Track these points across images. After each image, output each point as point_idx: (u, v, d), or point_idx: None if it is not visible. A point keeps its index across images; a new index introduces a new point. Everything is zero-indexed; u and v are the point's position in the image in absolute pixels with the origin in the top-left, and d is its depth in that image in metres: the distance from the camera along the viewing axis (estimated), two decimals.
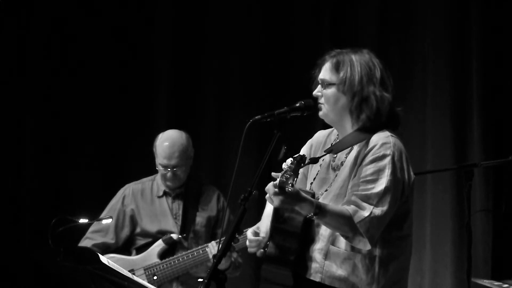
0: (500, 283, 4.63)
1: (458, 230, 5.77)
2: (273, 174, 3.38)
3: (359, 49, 3.66)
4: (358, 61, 3.60)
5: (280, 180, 3.32)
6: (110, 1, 6.58)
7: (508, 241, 5.69)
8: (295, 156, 3.38)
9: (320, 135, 3.83)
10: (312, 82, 3.71)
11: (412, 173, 3.57)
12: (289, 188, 3.32)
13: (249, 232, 3.72)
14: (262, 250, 3.64)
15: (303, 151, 3.81)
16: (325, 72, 3.64)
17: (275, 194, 3.34)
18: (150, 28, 6.63)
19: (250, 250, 3.69)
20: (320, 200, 3.59)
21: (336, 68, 3.61)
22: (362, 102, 3.57)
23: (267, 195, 3.39)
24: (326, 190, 3.62)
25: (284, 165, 3.47)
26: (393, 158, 3.50)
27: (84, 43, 6.54)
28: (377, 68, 3.62)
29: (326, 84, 3.62)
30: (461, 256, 5.65)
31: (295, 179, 3.34)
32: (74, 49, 6.53)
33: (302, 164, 3.36)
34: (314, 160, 3.62)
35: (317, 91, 3.66)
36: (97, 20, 6.55)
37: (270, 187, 3.36)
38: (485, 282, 4.70)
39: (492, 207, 5.73)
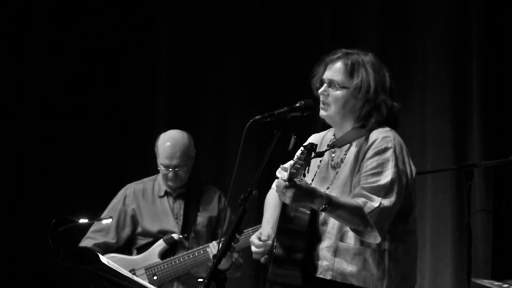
0: (500, 283, 4.63)
1: (458, 230, 5.77)
2: (281, 166, 3.36)
3: (367, 53, 3.66)
4: (371, 67, 3.60)
5: (290, 172, 3.30)
6: (111, 2, 6.57)
7: (508, 241, 5.69)
8: (305, 144, 3.36)
9: (314, 138, 3.82)
10: (312, 77, 3.70)
11: (413, 166, 3.59)
12: (300, 179, 3.30)
13: (253, 237, 3.71)
14: (266, 256, 3.63)
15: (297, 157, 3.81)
16: (336, 73, 3.61)
17: (286, 187, 3.32)
18: (150, 28, 6.63)
19: (255, 257, 3.69)
20: None
21: (351, 72, 3.59)
22: (373, 109, 3.58)
23: (278, 191, 3.36)
24: (327, 188, 3.62)
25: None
26: (395, 151, 3.52)
27: (84, 43, 6.53)
28: (386, 75, 3.64)
29: (337, 86, 3.61)
30: (461, 256, 5.65)
31: (307, 168, 3.32)
32: (74, 48, 6.52)
33: (313, 153, 3.33)
34: (320, 154, 3.61)
35: (323, 90, 3.64)
36: (97, 20, 6.55)
37: (280, 182, 3.34)
38: (485, 282, 4.70)
39: (492, 207, 5.73)
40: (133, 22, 6.60)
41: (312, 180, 3.70)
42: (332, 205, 3.41)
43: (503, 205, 5.60)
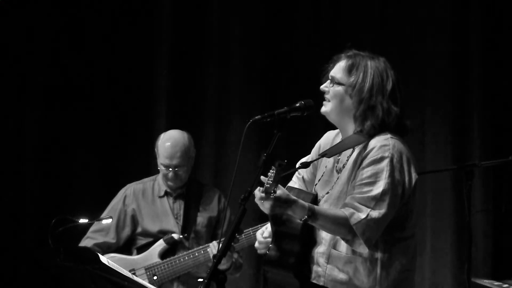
0: (500, 283, 4.63)
1: (458, 230, 5.77)
2: (262, 178, 3.38)
3: (377, 56, 3.66)
4: (372, 68, 3.60)
5: (265, 186, 3.33)
6: (110, 2, 6.57)
7: (508, 241, 5.69)
8: (274, 163, 3.37)
9: (328, 135, 3.82)
10: (323, 75, 3.71)
11: (414, 175, 3.54)
12: (272, 195, 3.33)
13: (258, 233, 3.72)
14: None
15: (313, 152, 3.80)
16: (337, 70, 3.63)
17: (262, 199, 3.35)
18: (150, 27, 6.62)
19: (260, 252, 3.69)
20: (321, 203, 3.60)
21: (349, 70, 3.60)
22: (367, 110, 3.56)
23: (256, 200, 3.39)
24: (327, 193, 3.62)
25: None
26: (391, 160, 3.48)
27: (84, 43, 6.53)
28: (389, 79, 3.62)
29: (336, 82, 3.62)
30: (461, 256, 5.65)
31: (277, 185, 3.33)
32: (75, 48, 6.52)
33: (281, 172, 3.34)
34: (306, 165, 3.63)
35: (324, 86, 3.65)
36: (96, 20, 6.55)
37: (257, 193, 3.37)
38: (485, 282, 4.71)
39: (492, 207, 5.73)
40: (133, 21, 6.59)
41: (319, 180, 3.70)
42: (314, 216, 3.41)
43: (503, 205, 5.61)
